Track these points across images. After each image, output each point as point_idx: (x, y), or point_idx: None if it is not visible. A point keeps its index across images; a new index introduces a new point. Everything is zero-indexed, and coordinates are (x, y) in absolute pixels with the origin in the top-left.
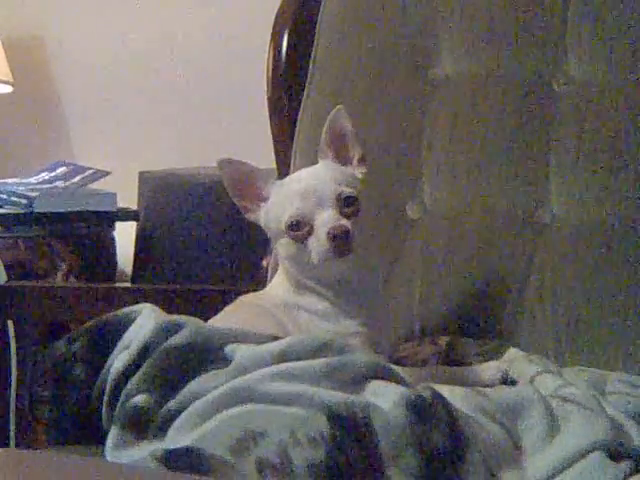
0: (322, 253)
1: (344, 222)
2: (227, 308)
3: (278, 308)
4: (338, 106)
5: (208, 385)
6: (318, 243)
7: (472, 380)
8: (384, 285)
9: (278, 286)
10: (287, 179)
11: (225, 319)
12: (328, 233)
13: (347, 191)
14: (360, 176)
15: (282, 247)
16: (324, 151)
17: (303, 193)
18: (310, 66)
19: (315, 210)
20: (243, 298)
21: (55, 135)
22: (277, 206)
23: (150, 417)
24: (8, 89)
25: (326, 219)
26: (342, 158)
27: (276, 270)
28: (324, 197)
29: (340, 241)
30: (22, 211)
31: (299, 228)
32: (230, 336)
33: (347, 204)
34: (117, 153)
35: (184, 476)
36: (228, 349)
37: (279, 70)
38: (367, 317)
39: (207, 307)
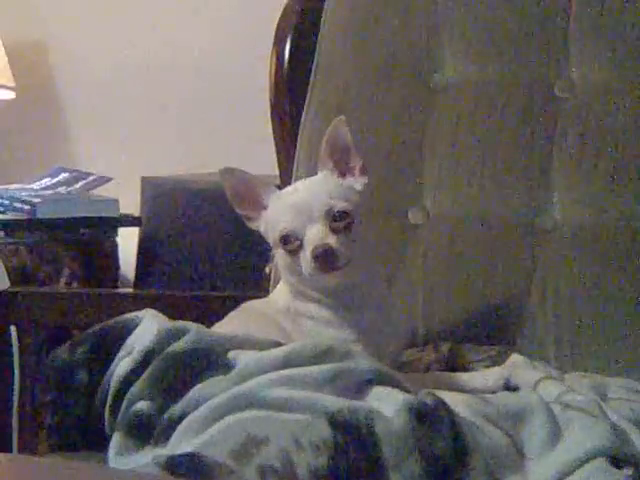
0: (308, 269)
1: (329, 240)
2: (231, 314)
3: (281, 314)
4: (339, 117)
5: (211, 391)
6: (305, 259)
7: (474, 386)
8: (387, 291)
9: (281, 293)
10: (285, 190)
11: (229, 325)
12: (312, 251)
13: (339, 205)
14: (360, 187)
15: (278, 257)
16: (323, 162)
17: (295, 207)
18: (313, 72)
19: (305, 225)
20: (247, 304)
21: (57, 141)
22: (273, 217)
23: (153, 423)
24: (11, 95)
25: (312, 236)
26: (342, 169)
27: (278, 276)
28: (314, 212)
29: (324, 259)
30: (24, 217)
31: (290, 242)
32: (233, 342)
33: (338, 219)
34: (119, 159)
35: None
36: (231, 355)
37: (282, 76)
38: (369, 324)
39: (209, 313)
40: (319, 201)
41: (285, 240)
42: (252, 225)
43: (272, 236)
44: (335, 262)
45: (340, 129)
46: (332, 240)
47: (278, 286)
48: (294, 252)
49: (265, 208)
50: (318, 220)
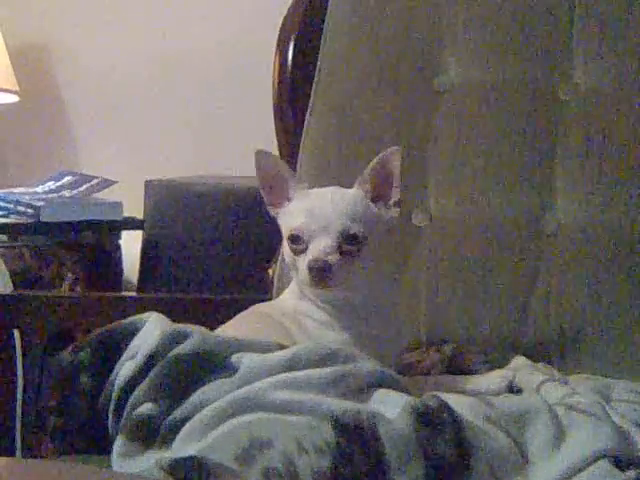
0: (302, 277)
1: (330, 257)
2: (238, 315)
3: (286, 316)
4: (395, 147)
5: (214, 394)
6: (302, 266)
7: (478, 388)
8: (390, 303)
9: (290, 294)
10: (313, 191)
11: (233, 326)
12: (309, 262)
13: (356, 229)
14: (387, 218)
15: (285, 251)
16: (363, 181)
17: (314, 213)
18: (316, 74)
19: (316, 233)
20: (256, 307)
21: (61, 144)
22: (292, 212)
23: (156, 426)
24: (14, 98)
25: (316, 247)
26: (378, 194)
27: (281, 279)
28: (330, 226)
29: (318, 274)
30: (28, 220)
31: (297, 242)
32: (236, 345)
33: (349, 241)
34: (123, 162)
35: None
36: (234, 358)
37: (285, 78)
38: (369, 329)
39: (213, 316)
40: (339, 218)
41: (293, 239)
42: (272, 212)
43: (284, 229)
44: (328, 280)
45: (393, 160)
46: (333, 259)
47: (288, 287)
48: (297, 253)
49: (289, 200)
50: (330, 235)
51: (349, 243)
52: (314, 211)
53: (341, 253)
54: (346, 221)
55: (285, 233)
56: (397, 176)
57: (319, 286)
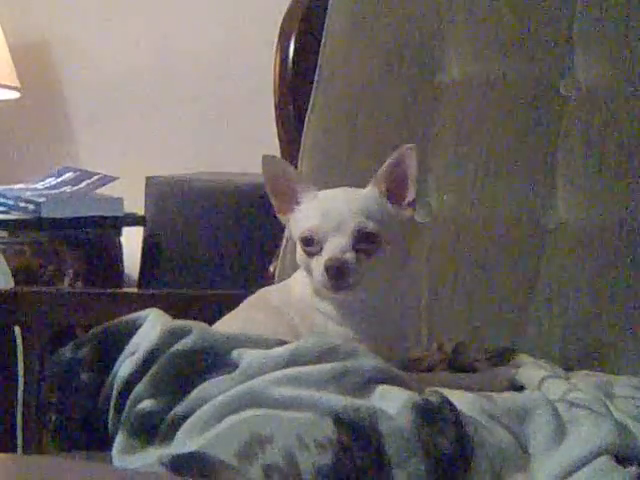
0: (318, 282)
1: (348, 256)
2: (244, 303)
3: (292, 307)
4: (410, 145)
5: (215, 390)
6: (318, 267)
7: (479, 385)
8: (399, 305)
9: (299, 284)
10: (322, 192)
11: (238, 316)
12: (325, 261)
13: (372, 227)
14: (402, 218)
15: (298, 253)
16: (377, 180)
17: (327, 213)
18: (317, 71)
19: (330, 234)
20: (263, 291)
21: (62, 140)
22: (303, 214)
23: (157, 422)
24: (15, 95)
25: (332, 246)
26: (393, 193)
27: (282, 275)
28: (344, 224)
29: (336, 275)
30: (29, 216)
31: (310, 244)
32: (237, 341)
33: (365, 239)
34: (124, 158)
35: None
36: (235, 354)
37: (286, 76)
38: (378, 328)
39: (213, 312)
40: (354, 216)
41: (306, 242)
42: (282, 217)
43: (295, 232)
44: (346, 280)
45: (408, 158)
46: (350, 257)
47: (298, 275)
48: (311, 255)
49: (298, 204)
50: (345, 234)
51: (365, 241)
52: (326, 211)
53: (357, 252)
54: (361, 219)
55: (297, 236)
56: (413, 175)
57: (335, 289)
